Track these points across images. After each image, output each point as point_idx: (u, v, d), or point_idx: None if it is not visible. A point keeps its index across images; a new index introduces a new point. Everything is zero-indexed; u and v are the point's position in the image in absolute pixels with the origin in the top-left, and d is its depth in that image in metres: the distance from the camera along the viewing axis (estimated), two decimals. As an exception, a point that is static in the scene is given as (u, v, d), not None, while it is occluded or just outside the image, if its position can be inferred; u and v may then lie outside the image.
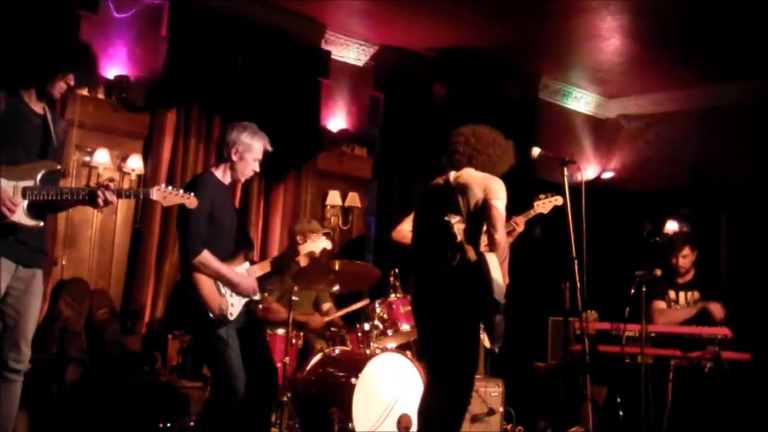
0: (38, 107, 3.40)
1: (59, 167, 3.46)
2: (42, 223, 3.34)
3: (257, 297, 4.32)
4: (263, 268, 4.31)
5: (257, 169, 4.19)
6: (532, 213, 5.17)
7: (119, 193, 3.49)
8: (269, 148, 4.18)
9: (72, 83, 3.41)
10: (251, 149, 4.09)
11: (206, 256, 3.90)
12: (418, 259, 4.02)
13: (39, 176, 3.30)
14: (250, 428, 4.12)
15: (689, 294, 5.87)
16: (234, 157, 4.07)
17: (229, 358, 3.91)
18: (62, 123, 3.55)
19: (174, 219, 4.87)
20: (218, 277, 3.96)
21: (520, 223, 5.08)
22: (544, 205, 5.16)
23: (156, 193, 3.57)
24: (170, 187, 3.61)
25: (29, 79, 3.35)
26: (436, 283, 3.83)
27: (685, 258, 5.89)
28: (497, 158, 4.02)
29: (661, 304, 5.81)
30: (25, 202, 3.24)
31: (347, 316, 6.06)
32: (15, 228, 3.24)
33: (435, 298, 3.84)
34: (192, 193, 3.72)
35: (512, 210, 4.58)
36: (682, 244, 5.96)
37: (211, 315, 3.90)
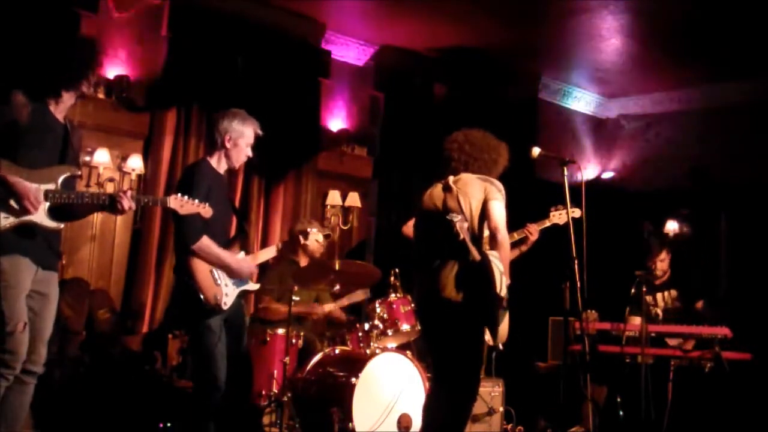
0: (61, 116, 3.46)
1: (79, 172, 3.54)
2: (62, 225, 3.40)
3: (254, 287, 4.36)
4: (270, 252, 4.37)
5: (250, 154, 4.24)
6: (547, 222, 5.11)
7: (138, 201, 3.54)
8: (260, 132, 4.24)
9: (95, 78, 3.51)
10: (243, 135, 4.15)
11: (205, 242, 3.94)
12: (421, 261, 4.03)
13: (60, 180, 3.36)
14: (236, 421, 4.17)
15: (666, 294, 5.91)
16: (228, 145, 4.12)
17: (215, 347, 3.94)
18: (77, 132, 3.61)
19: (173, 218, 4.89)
20: (217, 262, 4.00)
21: (533, 231, 5.01)
22: (560, 215, 5.09)
23: (173, 202, 3.63)
24: (186, 197, 3.67)
25: (56, 89, 3.41)
26: (440, 283, 3.84)
27: (663, 261, 5.94)
28: (492, 162, 4.06)
29: (636, 320, 5.64)
30: (47, 204, 3.30)
31: (349, 313, 6.06)
32: (35, 229, 3.29)
33: (439, 298, 3.85)
34: (207, 204, 3.76)
35: (517, 212, 4.57)
36: (659, 248, 5.98)
37: (204, 303, 3.93)
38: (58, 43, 3.58)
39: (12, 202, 3.22)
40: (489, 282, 3.65)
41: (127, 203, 3.41)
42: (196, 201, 3.71)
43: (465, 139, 4.07)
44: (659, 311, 5.86)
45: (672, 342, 5.51)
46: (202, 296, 3.93)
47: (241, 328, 4.27)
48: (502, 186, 3.93)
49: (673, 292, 5.90)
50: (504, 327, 3.72)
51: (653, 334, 5.34)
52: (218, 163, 4.16)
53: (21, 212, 3.24)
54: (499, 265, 3.70)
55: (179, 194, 3.67)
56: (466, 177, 3.99)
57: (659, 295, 5.92)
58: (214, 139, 4.14)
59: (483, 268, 3.70)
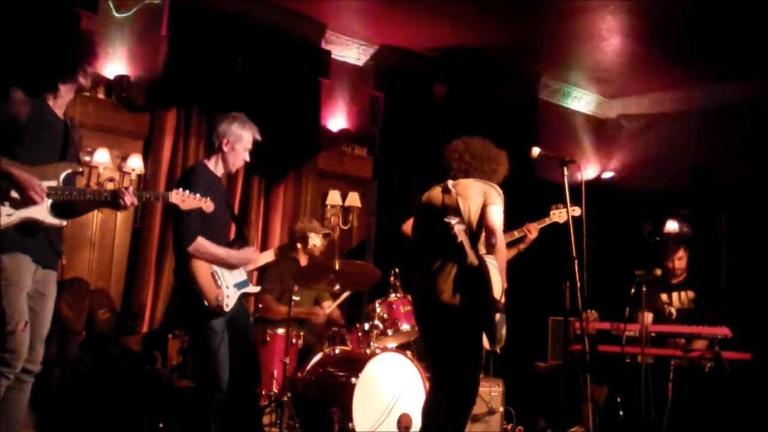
0: (60, 112, 3.45)
1: (80, 169, 3.54)
2: (65, 222, 3.40)
3: (254, 290, 4.36)
4: (267, 256, 4.37)
5: (247, 158, 4.24)
6: (547, 221, 5.12)
7: (140, 196, 3.54)
8: (258, 137, 4.24)
9: (92, 70, 3.48)
10: (241, 139, 4.15)
11: (201, 242, 3.95)
12: (419, 260, 4.03)
13: (62, 176, 3.36)
14: (238, 421, 4.17)
15: (683, 294, 5.90)
16: (225, 148, 4.13)
17: (218, 348, 3.95)
18: (78, 129, 3.61)
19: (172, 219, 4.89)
20: (215, 261, 4.01)
21: (533, 230, 5.03)
22: (560, 214, 5.11)
23: (175, 197, 3.64)
24: (187, 191, 3.68)
25: (52, 82, 3.40)
26: (439, 288, 3.84)
27: (681, 260, 5.93)
28: (492, 172, 4.08)
29: (648, 317, 5.66)
30: (49, 201, 3.30)
31: (348, 315, 6.06)
32: (38, 227, 3.29)
33: (438, 303, 3.85)
34: (208, 198, 3.76)
35: (517, 212, 4.56)
36: (677, 246, 5.97)
37: (207, 305, 3.93)
38: (58, 43, 3.56)
39: (15, 194, 3.21)
40: (486, 287, 3.66)
41: (129, 199, 3.41)
42: (198, 195, 3.72)
43: (465, 149, 4.08)
44: (673, 310, 5.85)
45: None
46: (205, 300, 3.93)
47: (246, 329, 4.27)
48: (501, 192, 3.94)
49: (690, 293, 5.88)
50: (502, 332, 3.72)
51: (653, 334, 5.34)
52: (215, 167, 4.16)
53: (25, 204, 3.22)
54: (496, 270, 3.70)
55: (181, 189, 3.68)
56: (466, 181, 4.01)
57: (675, 295, 5.90)
58: (212, 141, 4.15)
59: (480, 273, 3.70)
